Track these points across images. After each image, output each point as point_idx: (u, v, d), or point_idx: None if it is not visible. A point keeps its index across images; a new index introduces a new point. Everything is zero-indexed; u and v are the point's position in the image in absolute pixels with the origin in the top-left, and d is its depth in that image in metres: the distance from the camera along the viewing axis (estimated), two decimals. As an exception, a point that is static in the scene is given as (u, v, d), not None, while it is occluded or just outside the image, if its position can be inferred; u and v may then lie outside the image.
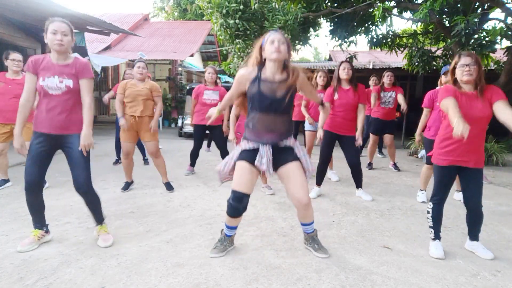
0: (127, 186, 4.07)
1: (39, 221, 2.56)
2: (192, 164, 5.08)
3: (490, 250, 2.62)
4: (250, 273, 2.25)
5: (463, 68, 2.39)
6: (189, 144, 7.48)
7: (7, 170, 4.10)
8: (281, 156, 2.36)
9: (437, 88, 4.04)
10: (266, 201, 3.78)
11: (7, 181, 4.06)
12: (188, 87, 9.95)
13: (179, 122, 9.58)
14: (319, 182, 4.05)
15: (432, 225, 2.62)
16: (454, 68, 2.48)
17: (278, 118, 2.33)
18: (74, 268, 2.25)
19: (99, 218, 2.66)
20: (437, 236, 2.63)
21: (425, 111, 3.97)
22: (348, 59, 7.66)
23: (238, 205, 2.35)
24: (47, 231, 2.61)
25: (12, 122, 3.89)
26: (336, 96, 3.82)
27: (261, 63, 2.34)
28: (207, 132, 4.92)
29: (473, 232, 2.66)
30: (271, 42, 2.24)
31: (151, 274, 2.20)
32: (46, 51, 2.48)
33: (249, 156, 2.34)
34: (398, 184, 4.82)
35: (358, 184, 4.06)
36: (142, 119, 3.89)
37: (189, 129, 9.14)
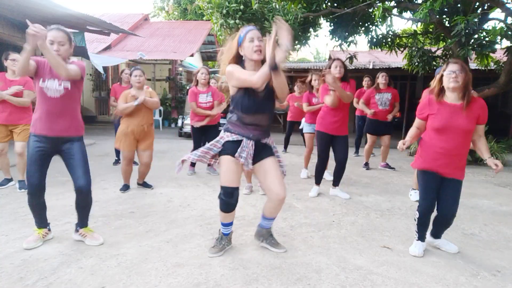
0: (125, 188, 4.08)
1: (42, 221, 2.59)
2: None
3: (452, 243, 2.68)
4: (250, 273, 2.25)
5: (450, 75, 2.39)
6: (190, 144, 7.49)
7: (9, 169, 4.11)
8: (261, 152, 2.39)
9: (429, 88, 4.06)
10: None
11: (10, 180, 4.08)
12: (188, 87, 9.95)
13: (179, 122, 9.58)
14: (318, 181, 4.08)
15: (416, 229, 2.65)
16: (442, 75, 2.47)
17: (262, 115, 2.34)
18: (74, 268, 2.25)
19: (86, 221, 2.66)
20: (420, 238, 2.65)
21: None
22: (348, 59, 7.72)
23: (229, 199, 2.37)
24: (49, 230, 2.65)
25: (12, 123, 3.89)
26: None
27: (238, 61, 2.32)
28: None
29: (437, 233, 2.69)
30: (250, 40, 2.20)
31: (151, 274, 2.20)
32: (37, 55, 2.51)
33: (232, 148, 2.34)
34: (398, 184, 4.82)
35: (336, 182, 4.06)
36: (143, 128, 3.91)
37: (189, 129, 9.15)
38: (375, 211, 3.58)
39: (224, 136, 2.38)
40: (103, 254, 2.45)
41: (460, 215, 3.48)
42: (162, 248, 2.57)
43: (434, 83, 2.52)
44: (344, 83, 3.74)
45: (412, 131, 2.62)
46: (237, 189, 2.38)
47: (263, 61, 2.25)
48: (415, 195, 3.99)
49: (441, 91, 2.49)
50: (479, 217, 3.49)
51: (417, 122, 2.62)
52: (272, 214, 2.54)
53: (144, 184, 4.21)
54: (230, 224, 2.54)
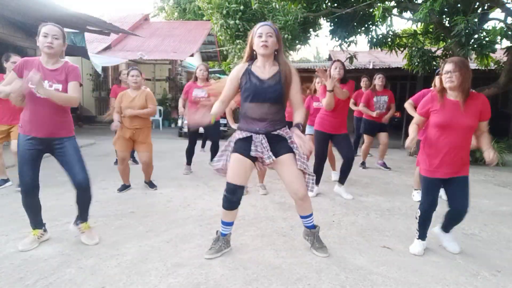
0: (123, 187, 4.07)
1: (38, 222, 2.58)
2: (188, 162, 5.07)
3: (456, 243, 2.67)
4: (250, 273, 2.25)
5: (446, 75, 2.42)
6: (189, 144, 7.48)
7: (5, 170, 4.10)
8: (276, 147, 2.36)
9: (430, 88, 4.06)
10: (266, 201, 3.78)
11: (6, 180, 4.07)
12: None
13: (179, 122, 9.58)
14: (316, 182, 4.06)
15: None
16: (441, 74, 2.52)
17: (269, 107, 2.33)
18: (74, 268, 2.25)
19: (86, 215, 2.66)
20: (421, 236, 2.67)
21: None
22: (347, 59, 7.72)
23: (231, 197, 2.37)
24: (45, 230, 2.63)
25: (8, 123, 3.88)
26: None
27: (253, 57, 2.42)
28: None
29: (447, 226, 2.69)
30: (259, 35, 2.29)
31: (151, 274, 2.20)
32: (37, 55, 2.48)
33: (243, 147, 2.35)
34: (398, 184, 4.82)
35: (342, 180, 4.04)
36: (139, 130, 3.89)
37: None
38: (375, 211, 3.58)
39: (236, 135, 2.42)
40: (103, 254, 2.45)
41: (460, 215, 3.49)
42: (162, 248, 2.57)
43: (435, 83, 2.52)
44: (342, 85, 3.74)
45: (413, 128, 2.59)
46: (241, 187, 2.37)
47: (275, 57, 2.38)
48: (417, 195, 3.99)
49: (444, 89, 2.50)
50: (479, 217, 3.49)
51: (417, 118, 2.61)
52: (302, 212, 2.53)
53: (149, 184, 4.21)
54: (230, 224, 2.52)
